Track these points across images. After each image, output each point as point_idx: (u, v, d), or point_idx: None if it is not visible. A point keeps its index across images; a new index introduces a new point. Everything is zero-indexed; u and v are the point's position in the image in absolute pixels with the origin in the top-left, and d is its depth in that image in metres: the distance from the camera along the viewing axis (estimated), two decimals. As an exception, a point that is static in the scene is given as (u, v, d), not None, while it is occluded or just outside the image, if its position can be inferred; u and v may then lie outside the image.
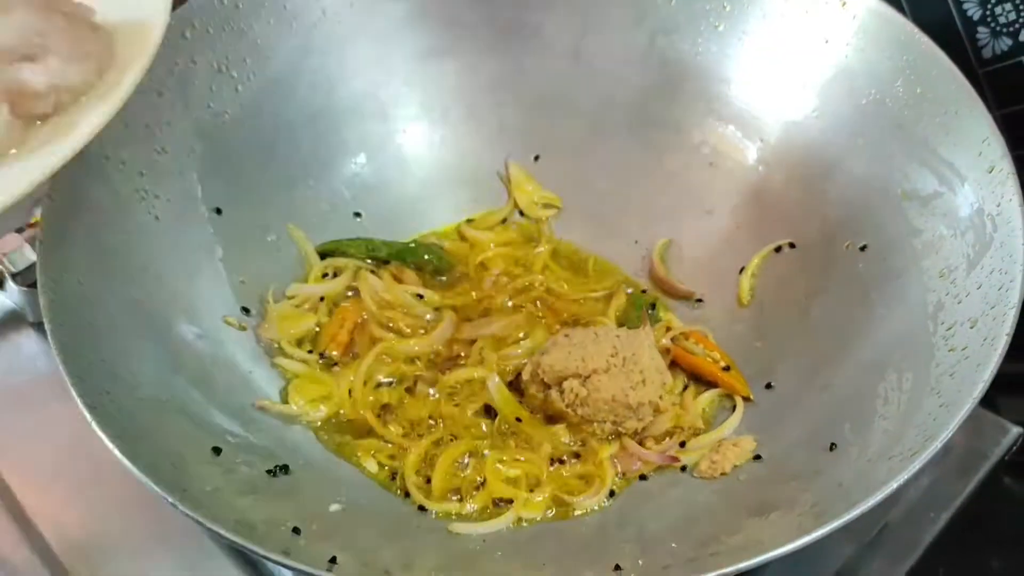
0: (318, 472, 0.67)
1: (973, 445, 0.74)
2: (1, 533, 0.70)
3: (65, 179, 0.64)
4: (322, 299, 0.77)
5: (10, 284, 0.78)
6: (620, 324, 0.77)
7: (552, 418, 0.71)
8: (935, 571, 0.69)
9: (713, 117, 0.81)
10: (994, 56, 0.80)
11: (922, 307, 0.66)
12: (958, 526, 0.70)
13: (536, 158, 0.86)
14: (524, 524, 0.66)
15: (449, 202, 0.84)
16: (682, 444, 0.70)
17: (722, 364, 0.74)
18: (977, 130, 0.68)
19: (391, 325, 0.76)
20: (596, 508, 0.67)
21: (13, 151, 0.54)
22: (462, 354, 0.75)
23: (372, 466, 0.69)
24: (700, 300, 0.79)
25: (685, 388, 0.74)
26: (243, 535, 0.52)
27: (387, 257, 0.80)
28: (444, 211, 0.84)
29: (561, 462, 0.70)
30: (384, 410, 0.72)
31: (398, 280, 0.79)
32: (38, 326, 0.80)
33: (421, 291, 0.78)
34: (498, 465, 0.68)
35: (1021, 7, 0.77)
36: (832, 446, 0.63)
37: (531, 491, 0.67)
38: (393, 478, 0.68)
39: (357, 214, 0.82)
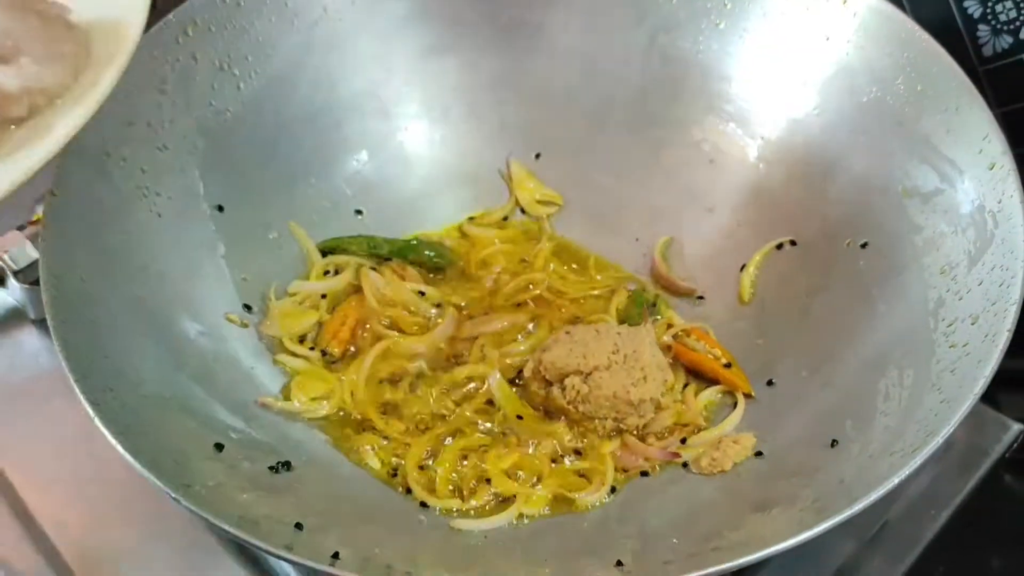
0: (320, 468, 0.67)
1: (974, 442, 0.74)
2: (3, 529, 0.70)
3: (67, 176, 0.64)
4: (324, 296, 0.77)
5: (12, 281, 0.78)
6: (621, 321, 0.77)
7: (554, 415, 0.71)
8: (935, 568, 0.69)
9: (714, 115, 0.81)
10: (995, 54, 0.80)
11: (923, 304, 0.66)
12: (958, 523, 0.70)
13: (537, 156, 0.86)
14: (526, 520, 0.66)
15: (450, 200, 0.85)
16: (683, 441, 0.70)
17: (723, 361, 0.74)
18: (978, 127, 0.68)
19: (393, 322, 0.76)
20: (597, 504, 0.67)
21: None
22: (464, 351, 0.75)
23: (374, 463, 0.69)
24: (701, 297, 0.80)
25: (686, 385, 0.74)
26: (246, 530, 0.52)
27: (388, 254, 0.80)
28: (445, 209, 0.84)
29: (563, 459, 0.70)
30: (386, 407, 0.72)
31: (400, 277, 0.79)
32: (40, 323, 0.80)
33: (423, 288, 0.78)
34: (500, 462, 0.69)
35: (1021, 5, 0.77)
36: (833, 442, 0.63)
37: (533, 487, 0.68)
38: (395, 475, 0.69)
39: (358, 211, 0.82)
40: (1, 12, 0.53)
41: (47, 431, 0.74)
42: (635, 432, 0.71)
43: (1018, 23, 0.78)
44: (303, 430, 0.70)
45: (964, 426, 0.57)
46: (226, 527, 0.52)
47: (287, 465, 0.64)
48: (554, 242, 0.83)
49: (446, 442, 0.70)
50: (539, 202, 0.85)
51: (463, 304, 0.79)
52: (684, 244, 0.82)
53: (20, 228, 0.78)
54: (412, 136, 0.84)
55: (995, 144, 0.66)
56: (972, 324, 0.62)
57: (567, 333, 0.72)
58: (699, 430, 0.71)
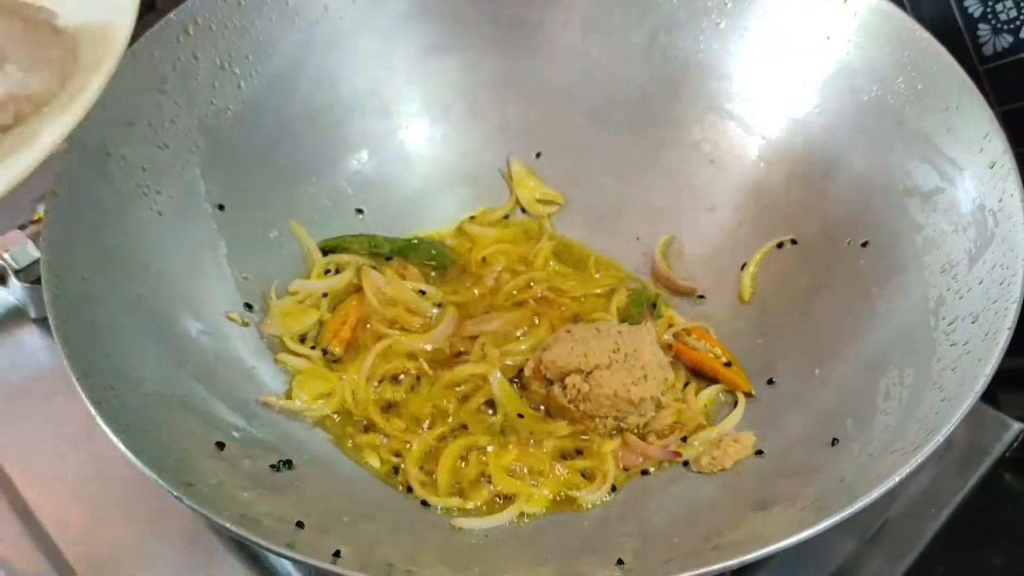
0: (321, 467, 0.67)
1: (974, 441, 0.74)
2: (4, 527, 0.70)
3: (68, 176, 0.64)
4: (325, 295, 0.77)
5: (13, 280, 0.78)
6: (622, 320, 0.77)
7: (554, 414, 0.72)
8: (936, 567, 0.69)
9: (714, 114, 0.81)
10: (995, 53, 0.80)
11: (923, 302, 0.66)
12: (959, 522, 0.70)
13: (538, 155, 0.86)
14: (527, 519, 0.66)
15: (451, 199, 0.85)
16: (684, 439, 0.70)
17: (724, 360, 0.74)
18: (978, 126, 0.68)
19: (394, 321, 0.77)
20: (598, 503, 0.67)
21: None
22: (464, 350, 0.75)
23: (375, 461, 0.69)
24: (702, 296, 0.80)
25: (687, 384, 0.74)
26: (248, 529, 0.52)
27: (389, 253, 0.80)
28: (446, 208, 0.84)
29: (563, 457, 0.70)
30: (387, 406, 0.72)
31: (400, 276, 0.79)
32: (41, 322, 0.81)
33: (423, 287, 0.78)
34: (501, 460, 0.69)
35: (1022, 4, 0.77)
36: (834, 441, 0.63)
37: (534, 486, 0.68)
38: (396, 473, 0.69)
39: (359, 211, 0.82)
40: None
41: (48, 430, 0.74)
42: (636, 431, 0.71)
43: (1018, 22, 0.78)
44: (304, 429, 0.70)
45: (964, 425, 0.57)
46: (228, 525, 0.52)
47: (288, 464, 0.64)
48: (555, 241, 0.83)
49: (447, 441, 0.70)
50: (539, 201, 0.85)
51: (464, 303, 0.79)
52: (684, 243, 0.82)
53: (21, 227, 0.78)
54: (413, 135, 0.84)
55: (996, 143, 0.66)
56: (973, 323, 0.62)
57: (568, 332, 0.72)
58: (700, 429, 0.71)
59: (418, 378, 0.74)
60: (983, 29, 0.79)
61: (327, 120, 0.80)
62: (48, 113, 0.53)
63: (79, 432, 0.73)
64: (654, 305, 0.79)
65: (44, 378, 0.78)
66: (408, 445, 0.70)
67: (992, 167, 0.66)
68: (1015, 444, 0.74)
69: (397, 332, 0.76)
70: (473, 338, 0.76)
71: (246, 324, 0.73)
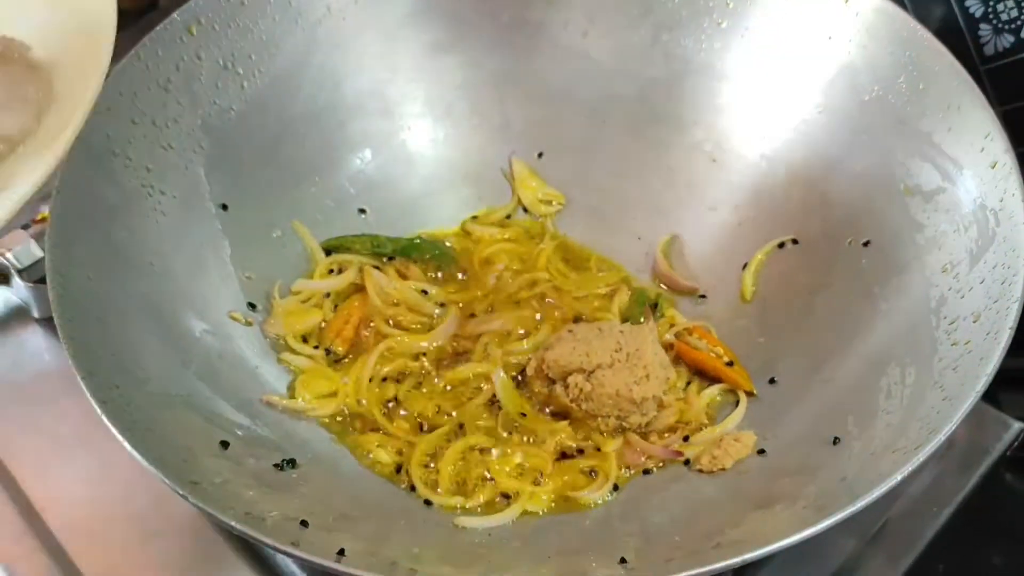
0: (325, 466, 0.67)
1: (975, 440, 0.74)
2: (7, 526, 0.70)
3: (72, 175, 0.64)
4: (327, 295, 0.77)
5: (16, 280, 0.79)
6: (624, 319, 0.78)
7: (557, 413, 0.72)
8: (936, 566, 0.70)
9: (716, 113, 0.82)
10: (996, 53, 0.80)
11: (925, 302, 0.66)
12: (959, 521, 0.71)
13: (540, 155, 0.86)
14: (529, 517, 0.66)
15: (453, 199, 0.85)
16: (686, 439, 0.71)
17: (725, 359, 0.74)
18: (980, 125, 0.68)
19: (396, 321, 0.77)
20: (600, 502, 0.68)
21: None
22: (467, 350, 0.76)
23: (378, 460, 0.69)
24: (703, 296, 0.80)
25: (688, 383, 0.74)
26: (252, 527, 0.52)
27: (392, 253, 0.80)
28: (448, 207, 0.84)
29: (566, 456, 0.70)
30: (389, 405, 0.72)
31: (403, 276, 0.79)
32: (44, 322, 0.81)
33: (426, 287, 0.79)
34: (503, 459, 0.69)
35: (1023, 4, 0.77)
36: (835, 440, 0.64)
37: (536, 485, 0.68)
38: (399, 472, 0.69)
39: (362, 210, 0.82)
40: None
41: (52, 429, 0.74)
42: (638, 430, 0.71)
43: (1019, 22, 0.78)
44: (308, 428, 0.70)
45: (965, 424, 0.57)
46: (232, 524, 0.52)
47: (292, 463, 0.64)
48: (556, 241, 0.83)
49: (449, 440, 0.70)
50: (541, 201, 0.85)
51: (466, 303, 0.79)
52: (686, 243, 0.82)
53: (24, 227, 0.78)
54: (415, 135, 0.84)
55: (997, 142, 0.67)
56: (974, 322, 0.62)
57: (570, 331, 0.72)
58: (701, 428, 0.71)
59: (421, 377, 0.74)
60: (984, 29, 0.79)
61: (330, 120, 0.81)
62: (23, 153, 0.50)
63: (83, 431, 0.73)
64: (656, 305, 0.79)
65: (48, 377, 0.78)
66: (411, 444, 0.70)
67: (993, 167, 0.66)
68: (1016, 444, 0.75)
69: (400, 332, 0.76)
70: (475, 338, 0.76)
71: (249, 324, 0.73)
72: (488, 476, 0.68)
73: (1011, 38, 0.79)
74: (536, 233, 0.84)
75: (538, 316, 0.78)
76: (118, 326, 0.63)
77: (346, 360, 0.75)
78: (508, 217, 0.85)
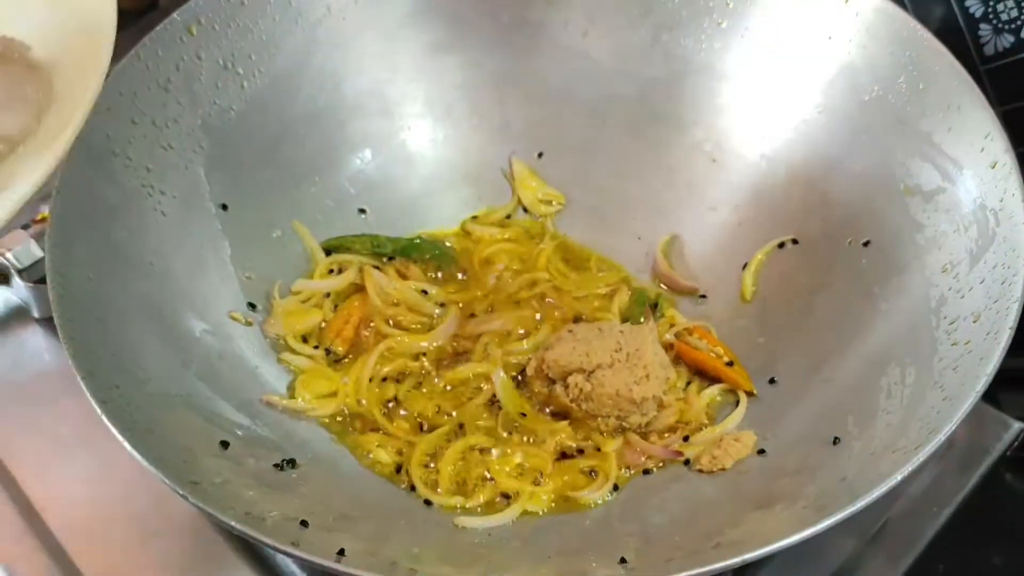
0: (325, 466, 0.67)
1: (975, 440, 0.74)
2: (7, 526, 0.70)
3: (72, 175, 0.64)
4: (327, 295, 0.77)
5: (16, 280, 0.79)
6: (624, 320, 0.78)
7: (557, 413, 0.72)
8: (936, 566, 0.70)
9: (716, 113, 0.82)
10: (996, 53, 0.80)
11: (925, 302, 0.66)
12: (959, 521, 0.71)
13: (540, 155, 0.86)
14: (529, 517, 0.66)
15: (453, 199, 0.85)
16: (686, 439, 0.71)
17: (725, 359, 0.74)
18: (980, 125, 0.68)
19: (396, 321, 0.77)
20: (600, 502, 0.68)
21: None
22: (467, 350, 0.76)
23: (378, 460, 0.69)
24: (703, 296, 0.80)
25: (688, 383, 0.74)
26: (252, 527, 0.52)
27: (392, 253, 0.80)
28: (448, 207, 0.84)
29: (565, 456, 0.70)
30: (389, 405, 0.72)
31: (403, 276, 0.79)
32: (44, 322, 0.81)
33: (426, 287, 0.79)
34: (503, 459, 0.69)
35: (1023, 4, 0.77)
36: (835, 440, 0.64)
37: (536, 485, 0.68)
38: (399, 472, 0.69)
39: (362, 210, 0.82)
40: None
41: (52, 429, 0.74)
42: (638, 430, 0.71)
43: (1019, 22, 0.78)
44: (308, 428, 0.70)
45: (965, 424, 0.58)
46: (232, 524, 0.52)
47: (292, 463, 0.64)
48: (556, 241, 0.83)
49: (449, 440, 0.70)
50: (541, 201, 0.85)
51: (466, 303, 0.79)
52: (686, 243, 0.82)
53: (24, 227, 0.78)
54: (415, 135, 0.84)
55: (997, 142, 0.67)
56: (974, 322, 0.62)
57: (570, 331, 0.72)
58: (701, 428, 0.71)
59: (421, 377, 0.74)
60: (984, 29, 0.80)
61: (330, 120, 0.81)
62: (24, 153, 0.50)
63: (83, 431, 0.73)
64: (656, 305, 0.79)
65: (48, 378, 0.78)
66: (411, 444, 0.70)
67: (993, 167, 0.66)
68: (1016, 444, 0.75)
69: (400, 332, 0.76)
70: (475, 338, 0.76)
71: (249, 324, 0.73)
72: (488, 476, 0.68)
73: (1011, 38, 0.79)
74: (536, 233, 0.84)
75: (538, 316, 0.78)
76: (118, 326, 0.63)
77: (346, 360, 0.75)
78: (508, 217, 0.85)
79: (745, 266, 0.78)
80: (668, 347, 0.75)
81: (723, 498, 0.65)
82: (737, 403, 0.72)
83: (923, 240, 0.69)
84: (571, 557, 0.62)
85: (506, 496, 0.67)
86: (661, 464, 0.70)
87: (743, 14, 0.79)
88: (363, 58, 0.81)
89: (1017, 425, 0.75)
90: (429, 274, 0.80)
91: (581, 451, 0.70)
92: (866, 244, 0.73)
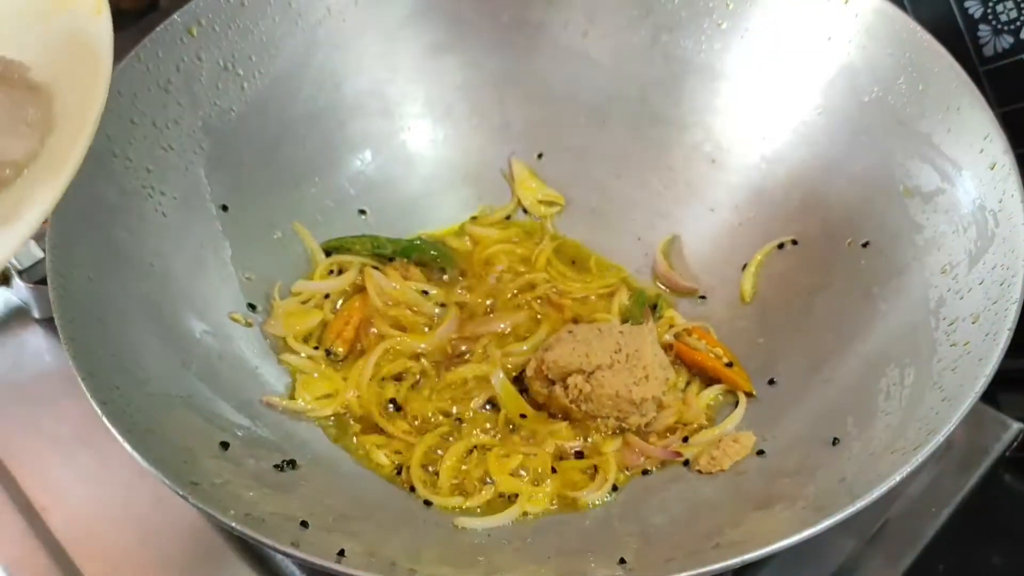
0: (325, 467, 0.67)
1: (974, 441, 0.74)
2: (8, 527, 0.70)
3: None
4: (327, 296, 0.77)
5: (16, 281, 0.79)
6: (623, 320, 0.78)
7: (556, 414, 0.72)
8: (936, 566, 0.70)
9: (716, 114, 0.82)
10: (995, 54, 0.80)
11: (924, 303, 0.66)
12: (959, 522, 0.71)
13: (539, 156, 0.86)
14: (529, 518, 0.67)
15: (453, 199, 0.85)
16: (685, 439, 0.71)
17: (725, 360, 0.75)
18: (979, 126, 0.68)
19: (396, 322, 0.77)
20: (600, 502, 0.68)
21: None
22: (467, 351, 0.76)
23: (378, 461, 0.69)
24: (703, 296, 0.80)
25: (688, 384, 0.74)
26: (253, 528, 0.53)
27: (392, 254, 0.80)
28: (448, 208, 0.84)
29: (565, 457, 0.70)
30: (389, 406, 0.73)
31: (403, 277, 0.79)
32: (44, 322, 0.81)
33: (426, 288, 0.79)
34: (503, 460, 0.69)
35: (1022, 5, 0.77)
36: (835, 441, 0.64)
37: (536, 485, 0.68)
38: (399, 473, 0.69)
39: (362, 211, 0.82)
40: None
41: (52, 430, 0.74)
42: (637, 431, 0.71)
43: (1019, 23, 0.78)
44: (308, 429, 0.70)
45: (964, 425, 0.58)
46: (233, 524, 0.52)
47: (292, 463, 0.64)
48: (556, 241, 0.83)
49: (449, 441, 0.70)
50: (541, 202, 0.85)
51: (466, 303, 0.79)
52: (686, 243, 0.82)
53: (25, 227, 0.78)
54: (415, 135, 0.84)
55: (996, 143, 0.67)
56: (973, 323, 0.62)
57: (569, 332, 0.72)
58: (701, 429, 0.71)
59: (420, 378, 0.74)
60: (983, 30, 0.80)
61: (330, 121, 0.81)
62: (30, 176, 0.49)
63: (83, 431, 0.73)
64: (655, 305, 0.79)
65: (48, 378, 0.78)
66: (411, 445, 0.70)
67: (992, 168, 0.66)
68: (1014, 444, 0.75)
69: (399, 333, 0.76)
70: (475, 338, 0.76)
71: (249, 324, 0.73)
72: (488, 477, 0.68)
73: (1010, 39, 0.79)
74: (536, 234, 0.84)
75: (538, 317, 0.78)
76: (118, 327, 0.63)
77: (346, 361, 0.75)
78: (508, 218, 0.85)
79: (744, 267, 0.78)
80: (667, 348, 0.75)
81: (723, 498, 0.65)
82: (736, 404, 0.72)
83: (922, 241, 0.69)
84: (571, 557, 0.62)
85: (506, 497, 0.67)
86: (660, 465, 0.70)
87: (743, 15, 0.79)
88: (363, 59, 0.81)
89: (1016, 426, 0.75)
90: (429, 275, 0.80)
91: (581, 452, 0.70)
92: (865, 245, 0.73)
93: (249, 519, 0.54)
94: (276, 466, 0.64)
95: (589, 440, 0.71)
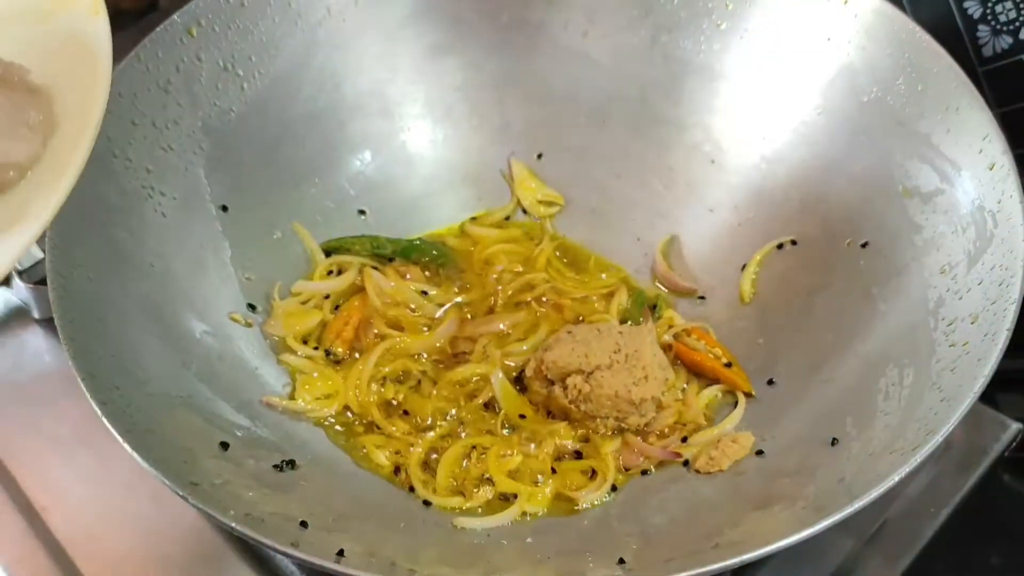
0: (324, 467, 0.67)
1: (973, 441, 0.74)
2: (8, 527, 0.70)
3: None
4: (327, 296, 0.78)
5: (16, 281, 0.79)
6: (623, 321, 0.78)
7: (555, 414, 0.72)
8: (935, 566, 0.70)
9: (715, 114, 0.82)
10: (994, 54, 0.80)
11: (923, 303, 0.66)
12: (957, 522, 0.71)
13: (539, 156, 0.86)
14: (528, 519, 0.67)
15: (453, 200, 0.85)
16: (684, 440, 0.71)
17: (724, 360, 0.75)
18: (978, 127, 0.68)
19: (396, 322, 0.77)
20: (599, 502, 0.68)
21: None
22: (466, 351, 0.76)
23: (378, 461, 0.69)
24: (702, 297, 0.80)
25: (687, 384, 0.74)
26: (252, 528, 0.53)
27: (392, 254, 0.80)
28: (448, 209, 0.84)
29: (564, 457, 0.70)
30: (389, 406, 0.73)
31: (403, 277, 0.79)
32: (44, 322, 0.81)
33: (425, 288, 0.79)
34: (502, 460, 0.69)
35: (1021, 5, 0.77)
36: (833, 441, 0.64)
37: (535, 486, 0.68)
38: (398, 473, 0.69)
39: (362, 212, 0.82)
40: None
41: (52, 430, 0.74)
42: (636, 431, 0.71)
43: (1018, 23, 0.78)
44: (307, 429, 0.70)
45: (963, 425, 0.58)
46: (232, 525, 0.52)
47: (292, 464, 0.64)
48: (556, 242, 0.83)
49: (449, 441, 0.70)
50: (540, 202, 0.85)
51: (466, 304, 0.79)
52: (685, 244, 0.82)
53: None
54: (415, 136, 0.84)
55: (995, 144, 0.67)
56: (972, 323, 0.62)
57: (569, 332, 0.72)
58: (700, 429, 0.71)
59: (420, 379, 0.74)
60: (983, 30, 0.80)
61: (330, 121, 0.81)
62: (34, 179, 0.49)
63: (83, 432, 0.73)
64: (654, 306, 0.79)
65: (48, 378, 0.78)
66: (410, 445, 0.70)
67: (991, 168, 0.67)
68: (1013, 444, 0.75)
69: (399, 333, 0.76)
70: (475, 339, 0.76)
71: (249, 325, 0.74)
72: (487, 477, 0.68)
73: (1009, 39, 0.79)
74: (535, 234, 0.84)
75: (537, 318, 0.78)
76: (118, 327, 0.63)
77: (346, 361, 0.75)
78: (507, 218, 0.85)
79: (744, 267, 0.79)
80: (667, 348, 0.75)
81: (722, 499, 0.65)
82: (735, 404, 0.72)
83: (921, 241, 0.69)
84: (570, 557, 0.62)
85: (505, 497, 0.67)
86: (660, 465, 0.70)
87: (742, 15, 0.79)
88: (363, 59, 0.81)
89: (1015, 426, 0.75)
90: (429, 275, 0.80)
91: (580, 452, 0.70)
92: (864, 245, 0.73)
93: (249, 519, 0.54)
94: (276, 466, 0.64)
95: (588, 440, 0.71)
